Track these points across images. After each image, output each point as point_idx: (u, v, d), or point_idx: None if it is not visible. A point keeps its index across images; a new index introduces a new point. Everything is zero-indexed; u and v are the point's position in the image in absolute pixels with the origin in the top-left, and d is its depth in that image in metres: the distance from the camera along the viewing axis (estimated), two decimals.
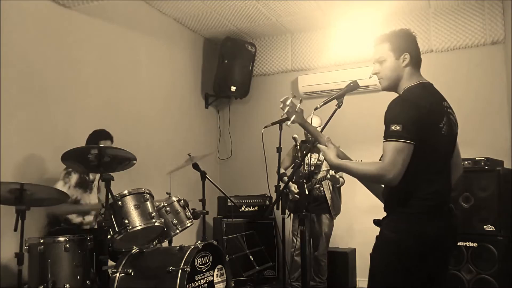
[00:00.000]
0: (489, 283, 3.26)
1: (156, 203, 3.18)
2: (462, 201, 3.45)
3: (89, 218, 3.29)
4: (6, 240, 2.99)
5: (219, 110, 5.77)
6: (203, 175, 3.64)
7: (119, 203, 2.86)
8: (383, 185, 1.95)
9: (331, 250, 4.43)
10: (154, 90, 4.64)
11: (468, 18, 4.52)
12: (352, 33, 4.95)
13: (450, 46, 4.60)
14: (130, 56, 4.34)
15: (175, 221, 3.24)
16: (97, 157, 2.62)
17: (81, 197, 3.22)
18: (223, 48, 5.25)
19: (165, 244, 3.43)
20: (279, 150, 3.61)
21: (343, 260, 4.36)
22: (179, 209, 3.33)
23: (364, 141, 4.55)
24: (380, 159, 1.74)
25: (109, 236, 2.78)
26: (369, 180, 1.97)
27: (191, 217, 3.37)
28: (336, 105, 2.15)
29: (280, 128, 3.38)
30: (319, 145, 2.01)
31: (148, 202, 2.99)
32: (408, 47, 1.87)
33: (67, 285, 2.66)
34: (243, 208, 4.80)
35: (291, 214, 4.13)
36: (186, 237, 4.52)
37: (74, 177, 3.15)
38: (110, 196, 2.63)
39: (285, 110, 2.20)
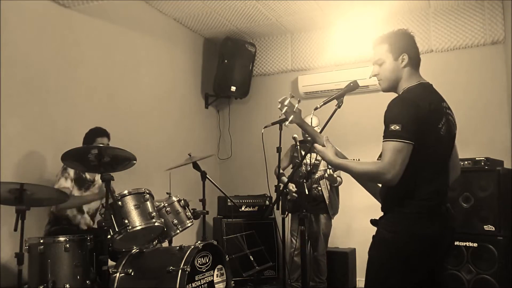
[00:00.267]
0: (489, 283, 3.26)
1: (156, 203, 3.18)
2: (462, 201, 3.45)
3: (87, 218, 3.29)
4: (6, 240, 2.99)
5: (219, 110, 5.77)
6: (203, 175, 3.63)
7: (119, 203, 2.86)
8: (380, 185, 1.95)
9: (331, 250, 4.43)
10: (154, 90, 4.64)
11: (468, 18, 4.52)
12: (352, 33, 4.95)
13: (450, 46, 4.60)
14: (130, 56, 4.34)
15: (175, 221, 3.24)
16: (97, 157, 2.62)
17: (75, 193, 3.20)
18: (223, 48, 5.25)
19: (165, 244, 3.43)
20: (279, 150, 3.61)
21: (343, 260, 4.36)
22: (179, 209, 3.32)
23: (364, 141, 4.56)
24: (378, 159, 1.74)
25: (109, 236, 2.78)
26: (368, 179, 1.97)
27: (191, 217, 3.37)
28: (336, 105, 2.15)
29: (280, 128, 3.38)
30: (316, 145, 2.01)
31: (148, 202, 2.99)
32: (407, 47, 1.88)
33: (67, 285, 2.66)
34: (243, 208, 4.80)
35: (289, 214, 4.13)
36: (186, 237, 4.52)
37: (71, 172, 3.15)
38: (110, 196, 2.63)
39: (283, 111, 2.20)
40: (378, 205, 1.92)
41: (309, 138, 3.97)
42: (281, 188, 3.53)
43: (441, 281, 1.90)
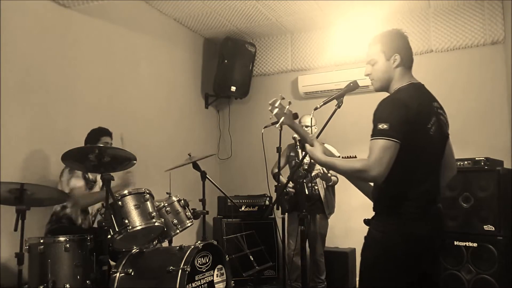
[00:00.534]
0: (489, 283, 3.26)
1: (156, 203, 3.18)
2: (462, 201, 3.45)
3: (89, 219, 3.29)
4: (6, 240, 2.99)
5: (219, 110, 5.77)
6: (203, 175, 3.63)
7: (119, 203, 2.86)
8: (372, 184, 1.96)
9: (331, 250, 4.43)
10: (154, 90, 4.64)
11: (468, 18, 4.52)
12: (352, 33, 4.95)
13: (450, 46, 4.60)
14: (130, 56, 4.34)
15: (175, 221, 3.24)
16: (97, 157, 2.62)
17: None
18: (223, 48, 5.25)
19: (165, 244, 3.43)
20: (279, 150, 3.61)
21: (343, 260, 4.36)
22: (179, 209, 3.33)
23: (364, 141, 4.49)
24: None
25: (109, 236, 2.78)
26: (353, 177, 1.98)
27: (191, 217, 3.37)
28: (336, 105, 2.16)
29: (280, 128, 3.38)
30: (306, 145, 2.02)
31: (148, 202, 2.99)
32: (399, 48, 1.88)
33: (67, 285, 2.66)
34: (243, 208, 4.80)
35: (286, 214, 4.10)
36: (186, 237, 4.52)
37: (79, 172, 3.15)
38: (110, 196, 2.63)
39: (274, 112, 2.21)
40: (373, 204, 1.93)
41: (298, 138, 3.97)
42: (281, 188, 3.53)
43: (438, 282, 1.90)
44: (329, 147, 4.00)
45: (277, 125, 2.26)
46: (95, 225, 3.37)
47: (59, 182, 3.14)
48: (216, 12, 4.72)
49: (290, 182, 3.83)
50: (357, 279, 4.48)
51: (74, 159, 2.74)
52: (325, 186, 4.06)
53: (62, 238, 2.75)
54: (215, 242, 3.19)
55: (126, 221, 2.83)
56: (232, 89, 5.23)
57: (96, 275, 2.83)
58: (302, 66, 5.33)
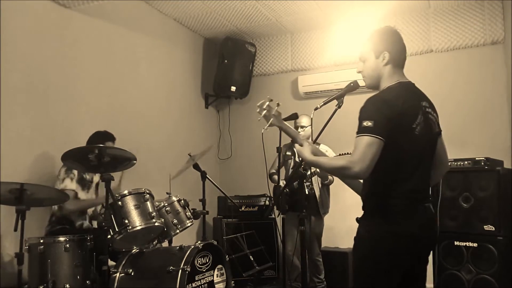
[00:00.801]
0: (489, 283, 3.26)
1: (156, 203, 3.18)
2: (462, 201, 3.45)
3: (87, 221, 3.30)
4: (6, 240, 2.99)
5: (219, 110, 5.77)
6: (203, 175, 3.64)
7: (119, 203, 2.86)
8: (361, 181, 1.97)
9: (331, 250, 4.43)
10: (154, 90, 4.64)
11: (468, 18, 4.52)
12: (352, 33, 4.95)
13: (450, 46, 4.60)
14: (130, 56, 4.34)
15: (175, 221, 3.24)
16: (97, 157, 2.62)
17: (80, 194, 3.21)
18: (223, 48, 5.24)
19: (165, 244, 3.43)
20: (279, 150, 3.61)
21: (343, 260, 4.35)
22: (179, 209, 3.33)
23: None
24: None
25: (109, 236, 2.78)
26: (338, 174, 1.99)
27: (191, 217, 3.37)
28: (336, 105, 2.16)
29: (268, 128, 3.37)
30: (296, 145, 2.04)
31: (148, 202, 2.99)
32: (388, 46, 1.88)
33: (67, 285, 2.66)
34: (243, 208, 4.79)
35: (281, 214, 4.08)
36: (186, 237, 4.52)
37: (75, 172, 3.16)
38: (110, 196, 2.63)
39: (262, 114, 2.22)
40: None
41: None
42: (282, 188, 3.53)
43: (423, 279, 1.89)
44: (325, 147, 4.01)
45: (265, 127, 2.27)
46: (94, 225, 3.38)
47: (57, 181, 3.15)
48: (216, 12, 4.72)
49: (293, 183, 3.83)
50: None
51: (74, 159, 2.74)
52: (320, 185, 4.06)
53: (62, 238, 2.75)
54: (215, 242, 3.19)
55: (126, 221, 2.83)
56: (232, 89, 5.23)
57: (96, 275, 2.84)
58: (302, 66, 5.33)
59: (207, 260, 3.03)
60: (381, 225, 1.76)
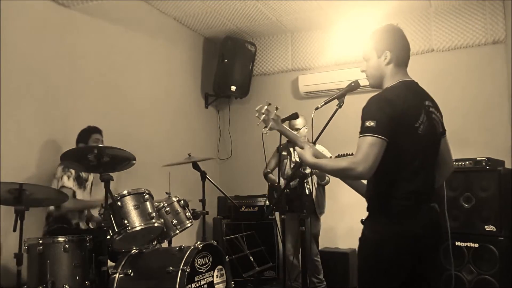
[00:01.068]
0: (490, 283, 3.25)
1: (156, 203, 3.17)
2: (463, 201, 3.44)
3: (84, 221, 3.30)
4: (6, 241, 2.98)
5: (219, 110, 5.76)
6: (203, 175, 3.62)
7: (119, 203, 2.85)
8: (361, 181, 1.95)
9: (331, 250, 4.43)
10: (154, 89, 4.63)
11: (469, 17, 4.51)
12: (352, 33, 4.94)
13: (451, 46, 4.59)
14: (130, 55, 4.33)
15: (174, 222, 3.23)
16: (97, 157, 2.61)
17: (77, 193, 3.21)
18: (223, 47, 5.23)
19: (165, 244, 3.41)
20: (279, 150, 3.60)
21: (343, 260, 4.35)
22: (179, 209, 3.31)
23: None
24: None
25: (108, 237, 2.77)
26: (341, 176, 1.97)
27: (191, 217, 3.36)
28: (337, 105, 2.14)
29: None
30: (296, 148, 2.02)
31: (147, 203, 2.98)
32: (390, 45, 1.86)
33: (66, 286, 2.65)
34: (243, 209, 4.78)
35: (277, 214, 4.07)
36: (186, 238, 4.51)
37: (72, 171, 3.16)
38: (109, 196, 2.62)
39: (261, 119, 2.21)
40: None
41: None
42: (282, 188, 3.52)
43: (430, 282, 1.88)
44: (321, 147, 4.00)
45: (264, 131, 2.26)
46: (91, 225, 3.38)
47: (54, 179, 3.15)
48: (216, 11, 4.71)
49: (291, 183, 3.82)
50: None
51: (73, 159, 2.74)
52: (316, 185, 4.05)
53: (61, 239, 2.74)
54: (215, 243, 3.18)
55: (126, 221, 2.82)
56: (232, 89, 5.22)
57: (95, 276, 2.83)
58: (303, 66, 5.32)
59: (207, 261, 3.02)
60: (385, 226, 1.75)
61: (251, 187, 4.99)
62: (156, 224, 2.95)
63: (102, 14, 3.97)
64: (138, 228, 2.86)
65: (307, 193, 3.84)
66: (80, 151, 2.69)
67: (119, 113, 4.12)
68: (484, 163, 3.43)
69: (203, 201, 3.65)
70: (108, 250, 2.78)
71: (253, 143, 5.00)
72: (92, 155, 2.61)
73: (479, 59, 4.49)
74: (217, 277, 3.08)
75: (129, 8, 4.29)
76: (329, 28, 5.12)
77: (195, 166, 3.63)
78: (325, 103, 2.17)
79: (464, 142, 4.22)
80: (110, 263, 3.02)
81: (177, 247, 3.02)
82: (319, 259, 4.10)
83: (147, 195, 3.01)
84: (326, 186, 4.15)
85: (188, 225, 3.31)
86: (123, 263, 3.00)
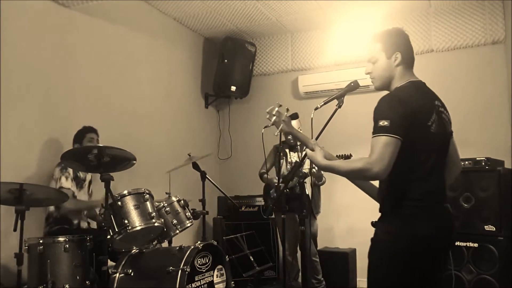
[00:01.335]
0: (489, 283, 3.25)
1: (156, 203, 3.17)
2: (462, 201, 3.44)
3: (84, 220, 3.30)
4: (6, 240, 2.99)
5: (219, 110, 5.77)
6: (203, 175, 3.63)
7: (119, 203, 2.85)
8: (371, 181, 1.95)
9: (331, 250, 4.43)
10: (154, 89, 4.63)
11: (468, 18, 4.51)
12: (352, 33, 4.94)
13: (450, 46, 4.60)
14: (130, 55, 4.33)
15: (174, 221, 3.23)
16: (97, 157, 2.62)
17: (75, 192, 3.22)
18: (223, 47, 5.24)
19: (165, 244, 3.42)
20: (279, 150, 3.60)
21: (343, 260, 4.35)
22: (179, 209, 3.32)
23: (365, 140, 4.49)
24: None
25: (108, 236, 2.77)
26: (356, 177, 1.96)
27: (191, 217, 3.36)
28: (336, 105, 2.14)
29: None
30: (307, 150, 2.01)
31: (147, 202, 2.98)
32: (400, 46, 1.88)
33: (67, 286, 2.65)
34: (243, 208, 4.78)
35: (274, 214, 4.08)
36: (186, 237, 4.52)
37: (70, 171, 3.17)
38: (110, 196, 2.62)
39: (272, 121, 2.21)
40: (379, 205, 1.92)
41: (291, 141, 3.95)
42: (281, 188, 3.53)
43: (441, 281, 1.89)
44: None
45: (275, 133, 2.26)
46: (91, 224, 3.38)
47: (52, 180, 3.15)
48: (216, 11, 4.71)
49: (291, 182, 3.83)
50: (358, 279, 4.50)
51: (73, 159, 2.74)
52: (312, 186, 4.05)
53: (61, 239, 2.74)
54: (215, 243, 3.18)
55: (126, 221, 2.82)
56: (232, 89, 5.22)
57: (95, 276, 2.83)
58: (303, 66, 5.32)
59: (207, 261, 3.02)
60: (398, 226, 1.74)
61: (251, 187, 4.99)
62: (156, 224, 2.96)
63: (102, 14, 3.97)
64: (138, 228, 2.86)
65: (307, 192, 3.85)
66: (80, 151, 2.70)
67: (119, 113, 4.12)
68: (483, 163, 3.43)
69: (203, 201, 3.66)
70: (108, 250, 2.79)
71: (253, 143, 5.00)
72: (92, 155, 2.61)
73: (479, 59, 4.49)
74: (217, 277, 3.08)
75: (129, 8, 4.29)
76: (329, 29, 5.13)
77: (195, 166, 3.63)
78: (325, 103, 2.17)
79: (464, 142, 4.19)
80: (110, 263, 3.03)
81: (177, 247, 3.02)
82: (317, 259, 4.10)
83: (147, 195, 3.01)
84: (323, 186, 4.16)
85: (188, 225, 3.31)
86: (123, 263, 3.00)
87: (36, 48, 3.40)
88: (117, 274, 2.94)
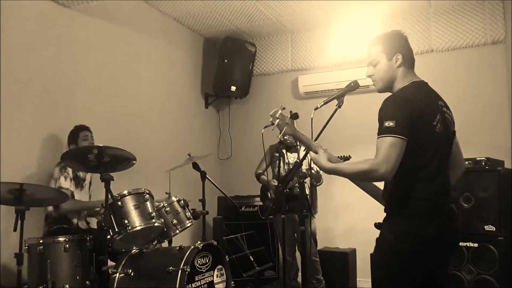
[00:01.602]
0: (489, 283, 3.25)
1: (156, 203, 3.17)
2: (462, 201, 3.44)
3: (83, 221, 3.30)
4: (6, 240, 2.99)
5: (219, 110, 5.77)
6: (203, 175, 3.63)
7: (119, 203, 2.85)
8: (375, 183, 1.95)
9: (331, 250, 4.42)
10: (153, 90, 4.64)
11: (468, 18, 4.51)
12: (352, 33, 4.94)
13: (450, 46, 4.60)
14: (130, 55, 4.33)
15: (175, 221, 3.24)
16: (97, 157, 2.62)
17: (75, 192, 3.22)
18: (223, 47, 5.24)
19: (165, 244, 3.42)
20: (279, 150, 3.60)
21: (343, 260, 4.34)
22: (179, 209, 3.32)
23: (364, 141, 4.51)
24: None
25: (108, 236, 2.77)
26: (362, 179, 1.96)
27: (191, 217, 3.36)
28: (336, 105, 2.15)
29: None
30: (310, 153, 2.01)
31: (147, 202, 2.99)
32: (400, 47, 1.89)
33: (67, 286, 2.66)
34: (243, 208, 4.79)
35: (274, 215, 4.08)
36: (186, 237, 4.52)
37: (70, 171, 3.17)
38: (110, 196, 2.62)
39: (275, 123, 2.21)
40: (379, 205, 1.92)
41: (289, 141, 3.95)
42: (282, 188, 3.53)
43: (445, 281, 1.89)
44: None
45: (279, 136, 2.27)
46: (91, 225, 3.38)
47: (51, 180, 3.15)
48: (216, 11, 4.71)
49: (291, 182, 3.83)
50: (357, 279, 4.50)
51: (73, 159, 2.74)
52: (309, 186, 4.05)
53: (61, 239, 2.74)
54: (215, 243, 3.18)
55: (126, 221, 2.82)
56: (232, 89, 5.22)
57: (95, 276, 2.83)
58: (302, 66, 5.32)
59: (207, 261, 3.02)
60: (404, 226, 1.74)
61: (251, 187, 4.97)
62: (156, 224, 2.96)
63: (102, 14, 3.97)
64: (138, 228, 2.86)
65: (307, 192, 3.85)
66: (81, 151, 2.70)
67: (119, 113, 4.13)
68: (483, 163, 3.43)
69: (203, 201, 3.66)
70: (108, 250, 2.79)
71: (253, 143, 5.01)
72: (92, 155, 2.61)
73: (479, 59, 4.49)
74: (217, 277, 3.08)
75: (129, 8, 4.30)
76: (328, 29, 5.13)
77: (195, 166, 3.63)
78: (325, 103, 2.17)
79: (464, 142, 4.19)
80: (110, 263, 3.03)
81: (177, 247, 3.02)
82: (317, 259, 4.10)
83: (147, 195, 3.01)
84: (323, 186, 4.16)
85: (188, 225, 3.31)
86: (123, 263, 3.00)
87: (36, 48, 3.40)
88: (117, 274, 2.94)
